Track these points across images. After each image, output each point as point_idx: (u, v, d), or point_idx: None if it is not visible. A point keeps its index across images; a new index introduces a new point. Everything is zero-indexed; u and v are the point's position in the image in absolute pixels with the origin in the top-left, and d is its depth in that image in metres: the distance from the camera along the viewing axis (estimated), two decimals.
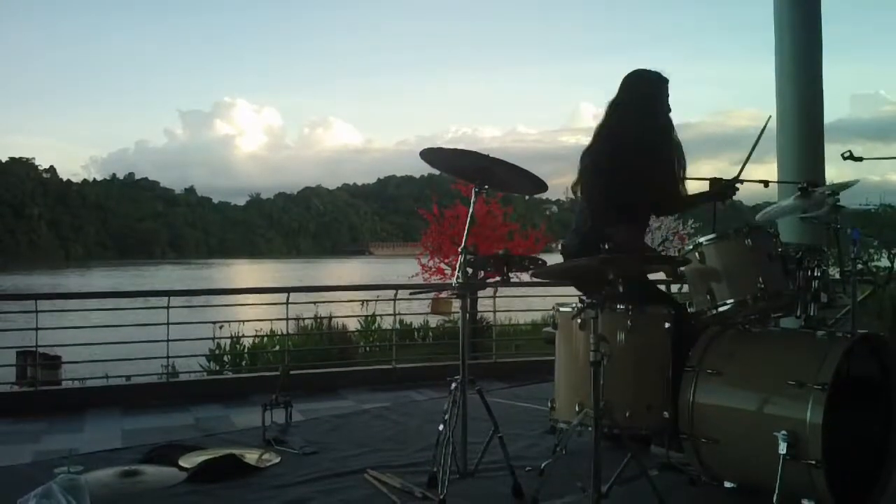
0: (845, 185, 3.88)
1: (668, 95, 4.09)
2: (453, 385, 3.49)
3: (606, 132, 4.04)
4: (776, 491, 2.79)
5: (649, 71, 4.07)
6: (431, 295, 10.84)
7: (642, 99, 4.03)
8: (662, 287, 4.64)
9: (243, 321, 9.70)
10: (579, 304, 3.12)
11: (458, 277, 3.57)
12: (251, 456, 4.00)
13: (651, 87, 4.06)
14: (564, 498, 3.25)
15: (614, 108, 4.08)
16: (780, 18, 5.98)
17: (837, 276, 4.26)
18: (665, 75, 4.06)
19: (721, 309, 3.43)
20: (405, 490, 3.46)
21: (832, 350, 2.94)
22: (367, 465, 3.87)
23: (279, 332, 8.74)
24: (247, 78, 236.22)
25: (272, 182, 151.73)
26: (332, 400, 6.76)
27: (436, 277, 13.76)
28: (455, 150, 3.63)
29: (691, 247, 3.58)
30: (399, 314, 9.06)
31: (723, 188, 4.09)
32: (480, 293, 8.67)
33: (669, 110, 4.10)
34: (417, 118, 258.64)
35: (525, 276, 4.02)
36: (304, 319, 9.83)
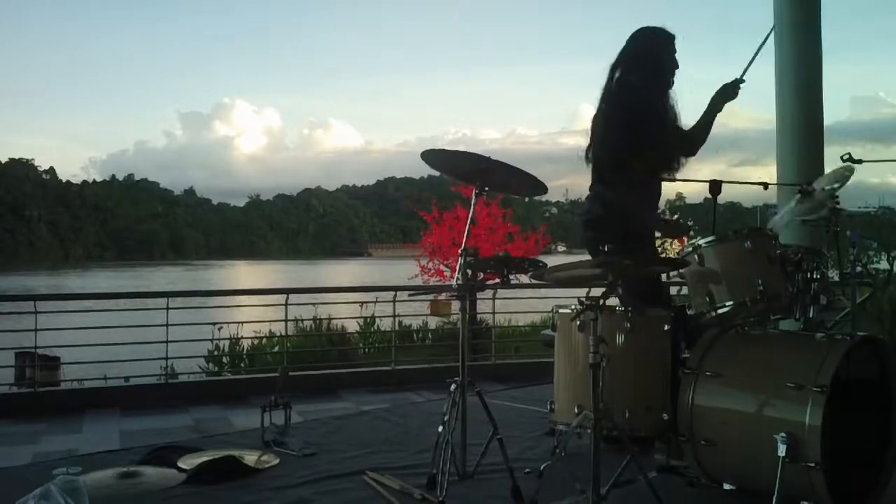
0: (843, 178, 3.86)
1: (674, 51, 4.05)
2: (453, 387, 3.50)
3: (616, 91, 4.01)
4: (775, 493, 2.78)
5: (654, 28, 4.05)
6: (431, 296, 10.88)
7: (646, 57, 4.00)
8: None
9: (242, 322, 9.70)
10: (578, 306, 3.12)
11: (457, 279, 3.58)
12: (250, 457, 3.99)
13: (655, 45, 4.03)
14: (563, 500, 3.25)
15: (618, 65, 4.04)
16: (779, 20, 5.97)
17: (837, 278, 4.26)
18: (670, 31, 4.03)
19: (720, 311, 3.43)
20: (404, 492, 3.45)
21: (831, 352, 2.94)
22: (367, 466, 3.87)
23: (278, 334, 8.74)
24: (246, 79, 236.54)
25: (271, 183, 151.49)
26: (331, 401, 6.76)
27: (435, 279, 13.77)
28: (455, 152, 3.63)
29: (690, 249, 3.58)
30: (398, 316, 9.06)
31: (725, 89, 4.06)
32: (480, 295, 8.70)
33: (676, 67, 4.06)
34: (417, 120, 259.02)
35: (524, 278, 4.02)
36: (303, 321, 9.83)
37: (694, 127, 4.19)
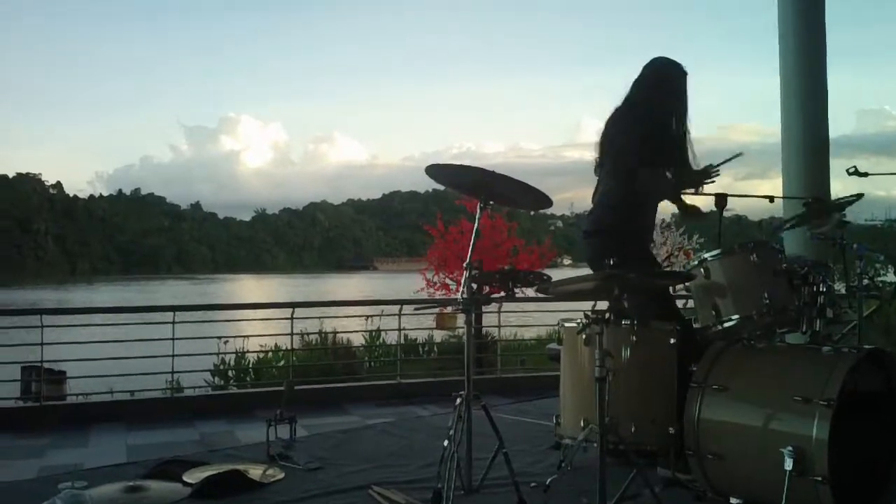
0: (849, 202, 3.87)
1: (685, 89, 4.10)
2: (458, 400, 3.49)
3: (630, 106, 4.06)
4: None
5: (673, 60, 4.11)
6: (436, 310, 10.87)
7: (665, 82, 4.06)
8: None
9: (248, 336, 9.70)
10: (584, 320, 3.11)
11: (462, 292, 3.58)
12: (255, 471, 3.99)
13: (673, 75, 4.09)
14: None
15: (638, 85, 4.10)
16: (784, 33, 5.99)
17: (843, 291, 4.25)
18: (685, 69, 4.10)
19: (726, 324, 3.43)
20: None
21: (838, 366, 2.93)
22: (372, 480, 3.86)
23: (284, 347, 8.73)
24: (252, 94, 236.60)
25: (277, 197, 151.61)
26: (336, 415, 6.75)
27: (441, 292, 13.79)
28: (459, 166, 3.65)
29: (696, 262, 3.58)
30: (404, 329, 9.04)
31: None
32: (485, 308, 8.69)
33: (685, 101, 4.11)
34: (422, 134, 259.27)
35: (530, 292, 4.01)
36: (308, 334, 9.82)
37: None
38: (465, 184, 3.86)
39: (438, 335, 11.33)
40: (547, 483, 3.28)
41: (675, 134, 4.06)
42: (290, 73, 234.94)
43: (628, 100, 4.10)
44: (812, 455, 2.79)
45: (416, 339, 11.13)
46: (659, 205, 4.33)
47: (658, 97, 4.03)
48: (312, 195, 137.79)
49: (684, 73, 4.11)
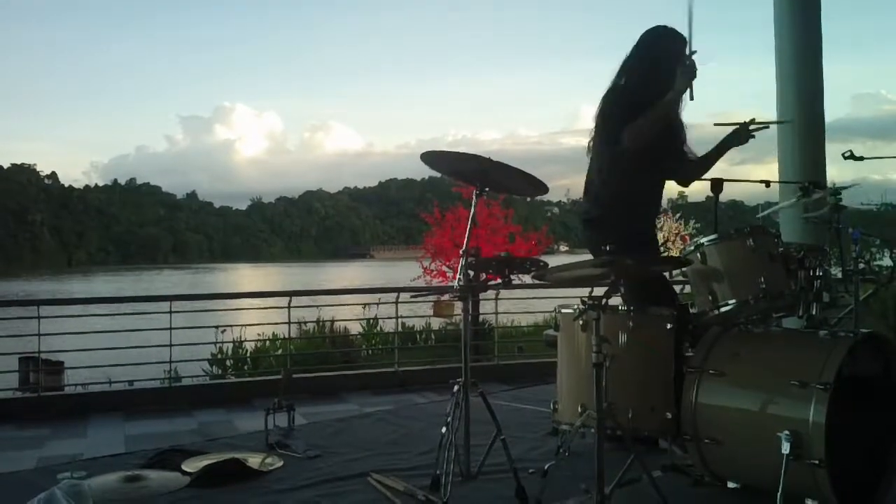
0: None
1: (683, 55, 3.84)
2: (456, 387, 3.50)
3: (621, 89, 3.96)
4: (779, 491, 2.78)
5: (667, 28, 3.95)
6: (433, 297, 10.87)
7: (658, 58, 3.91)
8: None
9: (246, 325, 9.72)
10: (581, 306, 3.11)
11: (459, 280, 3.58)
12: (254, 460, 4.00)
13: (666, 47, 3.91)
14: (568, 500, 3.25)
15: (629, 63, 3.99)
16: (780, 18, 5.98)
17: (839, 275, 4.25)
18: (682, 34, 3.86)
19: (723, 309, 3.43)
20: (408, 493, 3.45)
21: (835, 350, 2.93)
22: (370, 468, 3.87)
23: (281, 336, 8.72)
24: (247, 83, 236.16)
25: (273, 186, 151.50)
26: (334, 403, 6.75)
27: (437, 280, 13.79)
28: (455, 153, 3.64)
29: (693, 247, 3.58)
30: (401, 317, 9.04)
31: (738, 132, 3.91)
32: (482, 295, 8.69)
33: (679, 66, 3.84)
34: (418, 121, 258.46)
35: (527, 278, 4.01)
36: (306, 323, 9.83)
37: (701, 157, 4.08)
38: (462, 171, 3.86)
39: (436, 323, 11.33)
40: (545, 469, 3.28)
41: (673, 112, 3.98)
42: (285, 61, 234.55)
43: (619, 82, 3.99)
44: (809, 439, 2.80)
45: (413, 327, 11.13)
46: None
47: (653, 76, 3.87)
48: (308, 183, 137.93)
49: (682, 41, 3.82)
